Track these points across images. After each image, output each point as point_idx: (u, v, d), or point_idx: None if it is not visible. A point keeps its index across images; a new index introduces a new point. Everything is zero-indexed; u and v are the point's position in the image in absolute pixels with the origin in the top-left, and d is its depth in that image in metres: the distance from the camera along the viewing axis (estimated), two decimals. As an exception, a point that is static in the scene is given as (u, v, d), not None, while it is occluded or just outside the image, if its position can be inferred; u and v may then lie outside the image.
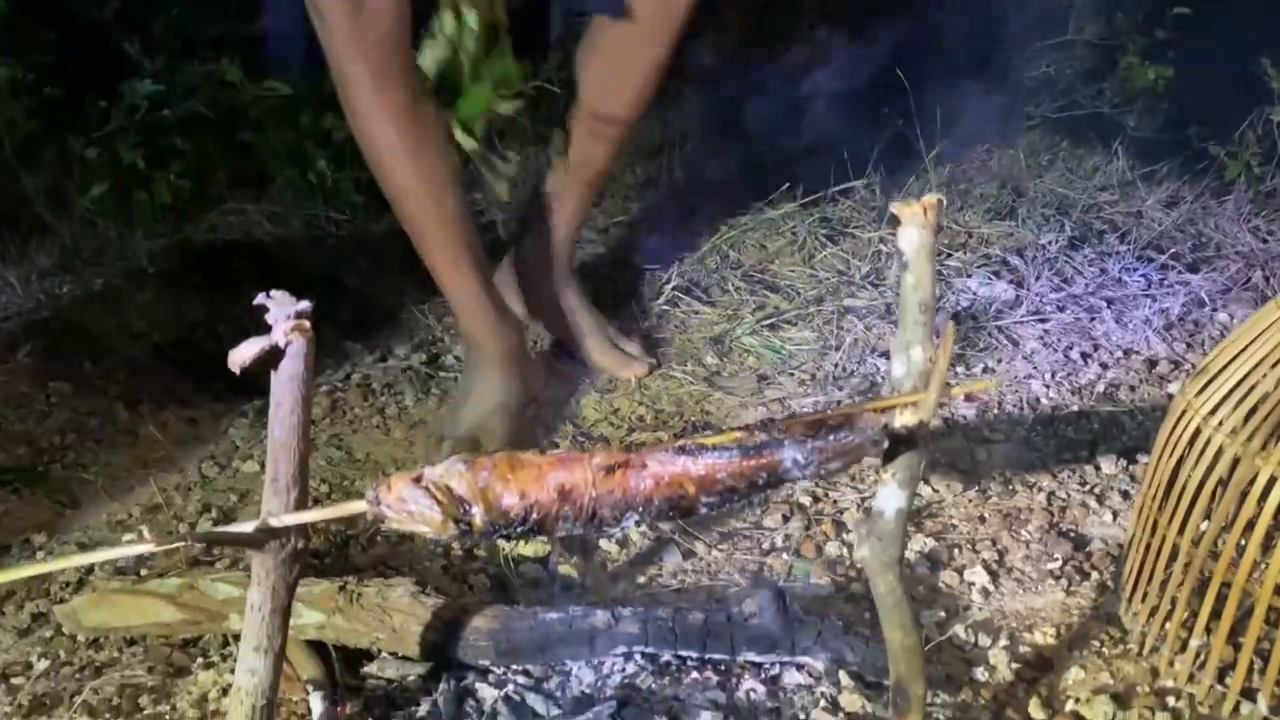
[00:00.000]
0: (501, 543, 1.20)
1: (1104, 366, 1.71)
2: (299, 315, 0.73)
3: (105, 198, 2.37)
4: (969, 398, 1.56)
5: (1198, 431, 0.98)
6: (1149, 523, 1.03)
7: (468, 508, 0.69)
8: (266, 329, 0.74)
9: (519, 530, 0.70)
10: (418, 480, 0.69)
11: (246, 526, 0.73)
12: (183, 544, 0.70)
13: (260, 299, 0.73)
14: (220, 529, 0.73)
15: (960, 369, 1.70)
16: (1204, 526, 0.96)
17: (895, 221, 0.72)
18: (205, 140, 2.47)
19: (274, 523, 0.73)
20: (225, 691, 0.96)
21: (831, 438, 0.69)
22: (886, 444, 0.72)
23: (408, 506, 0.69)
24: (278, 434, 0.74)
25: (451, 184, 1.37)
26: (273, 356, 0.73)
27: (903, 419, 0.73)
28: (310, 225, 2.52)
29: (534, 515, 0.69)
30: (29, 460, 1.40)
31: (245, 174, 2.55)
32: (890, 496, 0.75)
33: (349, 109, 1.32)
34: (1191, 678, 0.96)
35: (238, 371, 0.72)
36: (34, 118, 2.34)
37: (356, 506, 0.71)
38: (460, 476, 0.69)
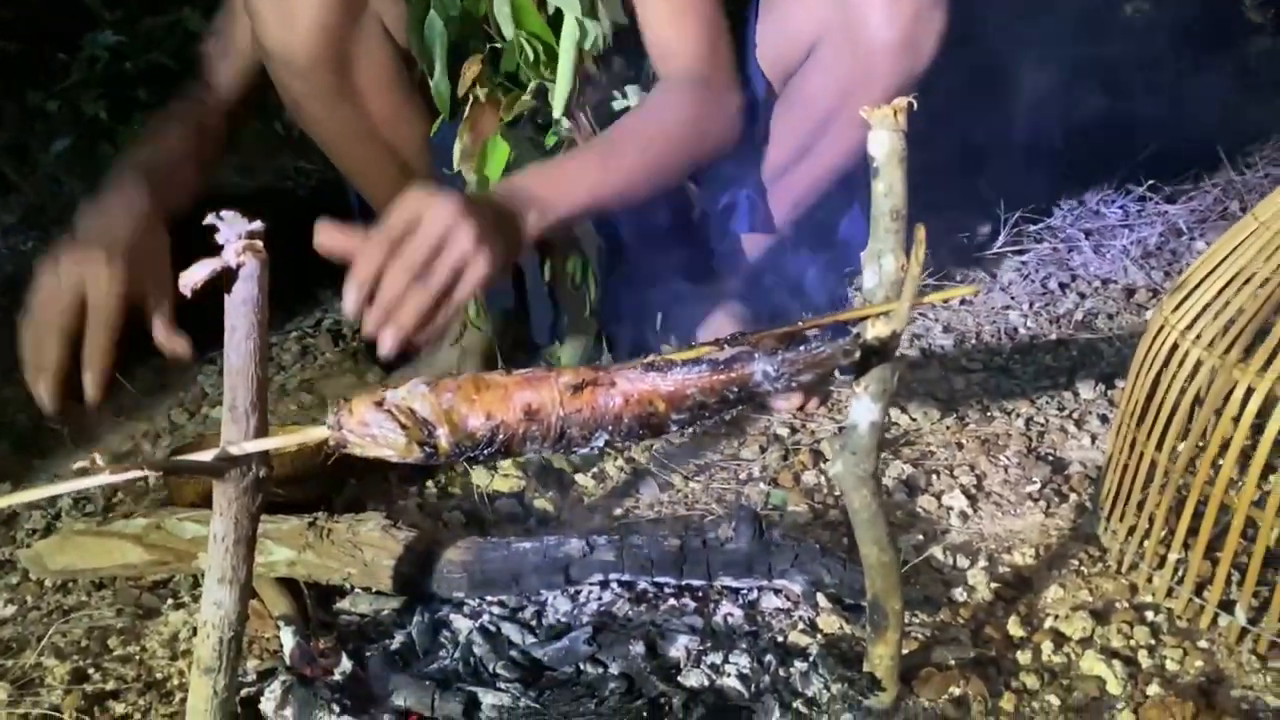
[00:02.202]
0: (475, 479, 1.18)
1: (1082, 296, 1.71)
2: (251, 235, 0.71)
3: (69, 152, 2.32)
4: (946, 328, 1.55)
5: (1175, 346, 0.97)
6: (1127, 441, 1.02)
7: (432, 430, 0.67)
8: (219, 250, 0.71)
9: (486, 452, 0.68)
10: (380, 403, 0.68)
11: (206, 455, 0.72)
12: (140, 474, 0.68)
13: (210, 219, 0.70)
14: (179, 458, 0.71)
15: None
16: (1181, 447, 0.95)
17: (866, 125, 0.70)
18: (169, 92, 2.42)
19: (234, 450, 0.71)
20: (195, 632, 0.95)
21: (802, 349, 0.68)
22: (858, 354, 0.71)
23: (370, 430, 0.67)
24: (234, 360, 0.72)
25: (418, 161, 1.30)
26: (225, 279, 0.71)
27: (875, 330, 0.72)
28: (279, 175, 2.48)
29: (500, 436, 0.67)
30: (-6, 412, 1.37)
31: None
32: (864, 410, 0.74)
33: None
34: (1170, 592, 0.96)
35: (188, 294, 0.69)
36: (-1, 85, 2.29)
37: (318, 432, 0.69)
38: (424, 398, 0.67)
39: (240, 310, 0.71)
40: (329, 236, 0.93)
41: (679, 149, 1.13)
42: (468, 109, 1.19)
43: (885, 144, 0.70)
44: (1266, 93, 2.46)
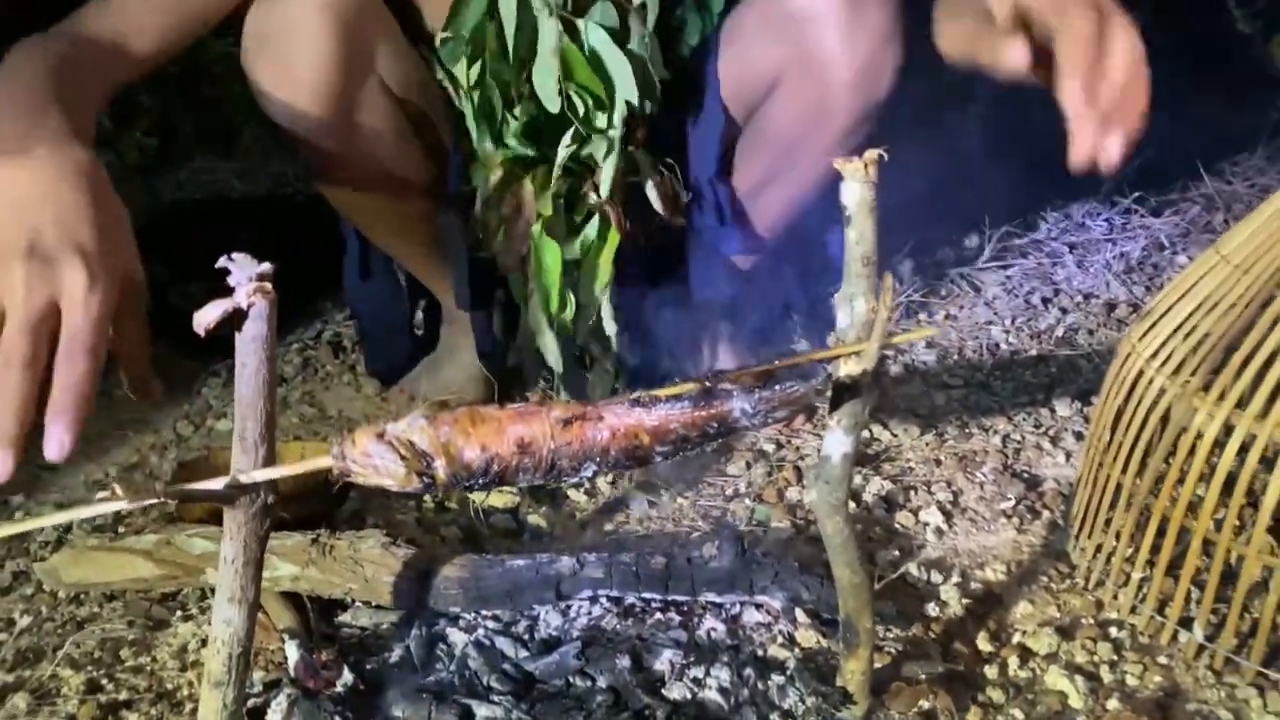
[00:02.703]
0: (472, 495, 1.23)
1: (1064, 311, 1.75)
2: (261, 277, 0.75)
3: (71, 159, 2.35)
4: (929, 344, 1.60)
5: (1140, 373, 1.02)
6: (1096, 462, 1.07)
7: (430, 461, 0.71)
8: (230, 291, 0.76)
9: (481, 482, 0.72)
10: (381, 435, 0.72)
11: (217, 484, 0.76)
12: (156, 500, 0.73)
13: (223, 262, 0.75)
14: (191, 486, 0.75)
15: (922, 315, 1.74)
16: (1146, 471, 1.00)
17: (838, 175, 0.74)
18: (171, 98, 2.46)
19: (243, 479, 0.76)
20: (204, 643, 0.99)
21: (778, 388, 0.72)
22: (830, 392, 0.75)
23: (372, 461, 0.72)
24: (244, 393, 0.76)
25: (423, 205, 1.31)
26: (236, 318, 0.75)
27: (847, 368, 0.76)
28: (279, 182, 2.52)
29: (495, 467, 0.72)
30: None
31: (212, 132, 2.53)
32: (836, 442, 0.78)
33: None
34: (1133, 609, 1.01)
35: (202, 334, 0.74)
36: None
37: (323, 462, 0.74)
38: (422, 431, 0.72)
39: (250, 347, 0.75)
40: None
41: None
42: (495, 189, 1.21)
43: (856, 195, 0.74)
44: (1254, 104, 2.49)
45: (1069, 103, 0.76)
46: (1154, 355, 1.01)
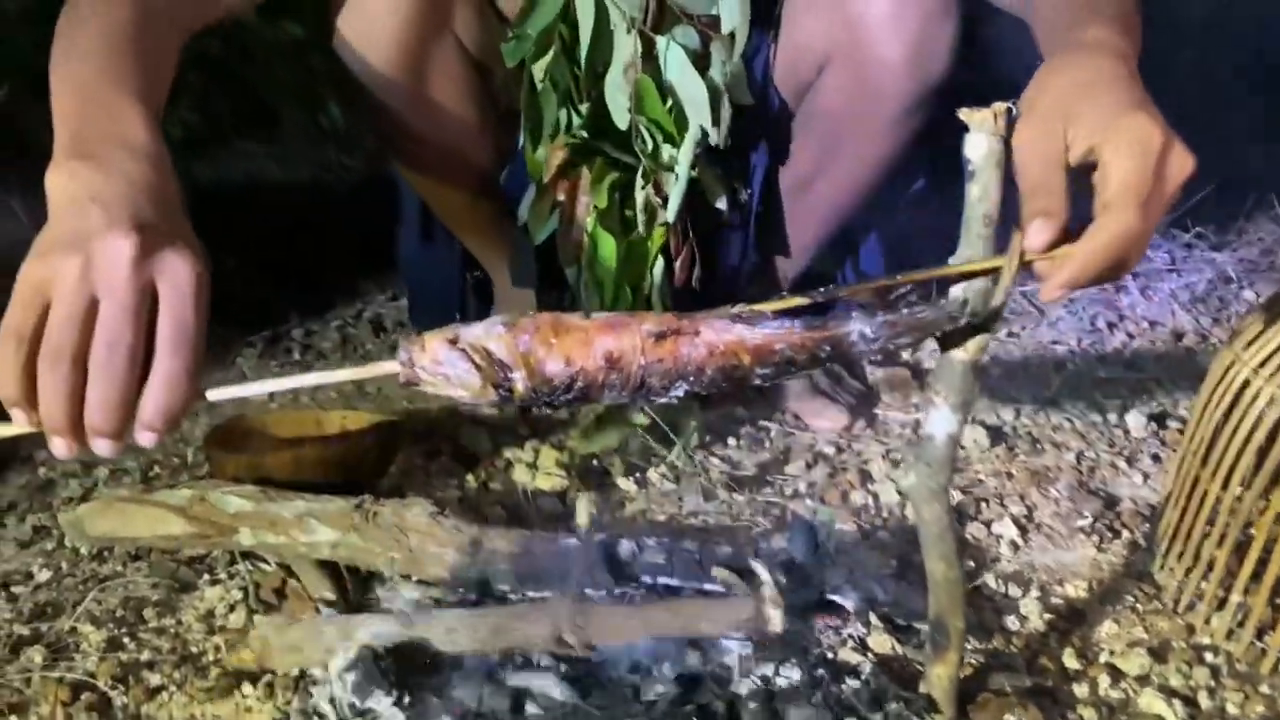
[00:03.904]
0: (517, 475, 1.17)
1: (1130, 336, 1.68)
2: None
3: (113, 133, 2.32)
4: (992, 359, 1.53)
5: (1246, 383, 0.95)
6: (1189, 479, 1.00)
7: (508, 372, 0.63)
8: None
9: (562, 398, 0.64)
10: (454, 342, 0.64)
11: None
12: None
13: None
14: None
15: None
16: (1248, 487, 0.93)
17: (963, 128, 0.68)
18: (213, 80, 2.43)
19: (271, 386, 0.68)
20: (232, 608, 0.93)
21: (905, 311, 0.65)
22: (964, 320, 0.68)
23: (443, 370, 0.64)
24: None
25: (487, 183, 1.27)
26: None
27: (974, 303, 0.69)
28: (321, 168, 2.48)
29: (579, 383, 0.64)
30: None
31: (252, 117, 2.50)
32: (942, 421, 0.72)
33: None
34: (1230, 634, 0.93)
35: None
36: (41, 50, 2.30)
37: (389, 367, 0.66)
38: (500, 339, 0.64)
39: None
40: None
41: None
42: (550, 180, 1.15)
43: (982, 147, 0.68)
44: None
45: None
46: (1261, 365, 0.95)
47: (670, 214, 1.12)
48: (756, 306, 0.65)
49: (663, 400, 0.66)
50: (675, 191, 1.11)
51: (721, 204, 1.18)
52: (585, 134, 1.11)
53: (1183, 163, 0.69)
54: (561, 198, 1.16)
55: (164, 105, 0.79)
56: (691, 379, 0.64)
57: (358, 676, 0.77)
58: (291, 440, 1.05)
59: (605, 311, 0.68)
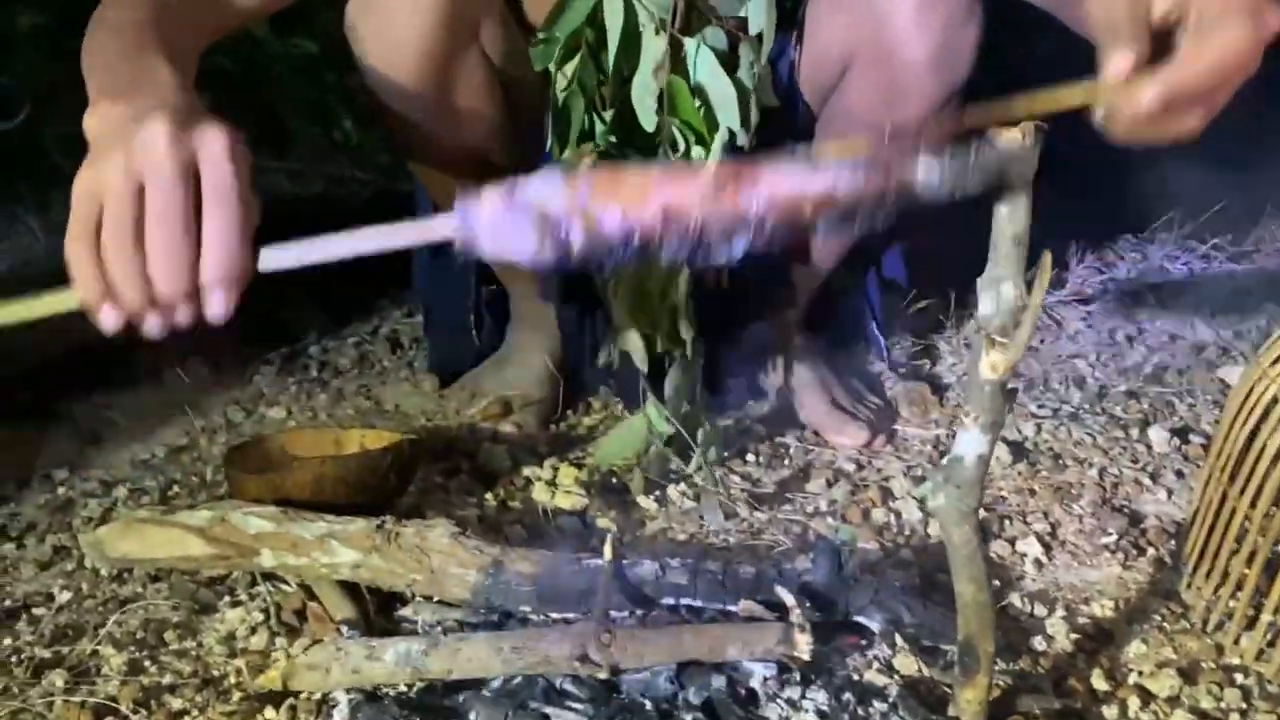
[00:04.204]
0: (537, 494, 1.16)
1: (1150, 349, 1.67)
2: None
3: (126, 148, 2.33)
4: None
5: (1275, 400, 0.94)
6: (1216, 496, 0.99)
7: (566, 227, 0.61)
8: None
9: (621, 255, 0.62)
10: (510, 196, 0.63)
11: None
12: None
13: None
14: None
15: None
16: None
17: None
18: (226, 95, 2.43)
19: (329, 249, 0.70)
20: (253, 630, 0.93)
21: (973, 152, 0.62)
22: (1035, 159, 0.65)
23: (500, 226, 0.62)
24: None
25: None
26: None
27: (991, 359, 0.69)
28: (334, 184, 2.49)
29: (636, 239, 0.62)
30: (52, 397, 1.37)
31: (266, 131, 2.51)
32: (972, 442, 0.71)
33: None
34: (1260, 655, 0.92)
35: None
36: (55, 65, 2.31)
37: (446, 227, 0.65)
38: (557, 191, 0.62)
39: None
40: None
41: None
42: None
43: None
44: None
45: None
46: (1291, 381, 0.94)
47: None
48: (819, 148, 0.62)
49: (723, 262, 0.64)
50: None
51: None
52: (613, 138, 1.11)
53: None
54: None
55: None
56: (752, 230, 0.62)
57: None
58: (311, 460, 1.05)
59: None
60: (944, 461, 0.73)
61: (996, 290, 0.69)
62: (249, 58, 2.35)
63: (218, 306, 0.68)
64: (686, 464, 1.19)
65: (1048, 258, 0.67)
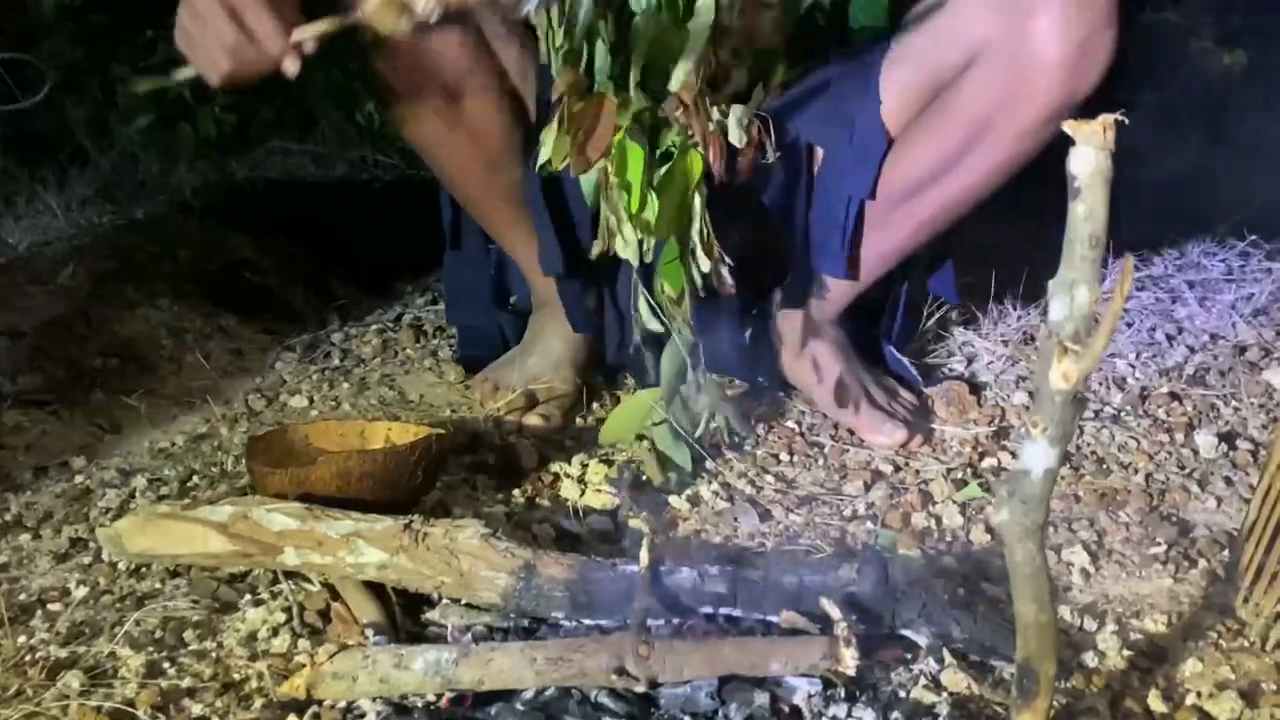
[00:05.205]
0: (565, 491, 1.13)
1: (1191, 349, 1.62)
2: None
3: (149, 130, 2.30)
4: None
5: (1343, 410, 0.90)
6: (1276, 506, 0.95)
7: None
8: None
9: None
10: None
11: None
12: None
13: None
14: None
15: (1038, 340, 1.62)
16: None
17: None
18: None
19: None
20: (275, 631, 0.90)
21: None
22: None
23: None
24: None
25: (503, 156, 1.24)
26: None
27: (1063, 368, 0.65)
28: (356, 168, 2.46)
29: None
30: (68, 383, 1.34)
31: (290, 115, 2.48)
32: (1039, 455, 0.67)
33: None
34: (1323, 677, 0.88)
35: None
36: (80, 46, 2.28)
37: None
38: None
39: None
40: None
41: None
42: (564, 109, 1.10)
43: (1090, 163, 0.64)
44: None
45: None
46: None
47: (676, 82, 1.05)
48: None
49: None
50: (685, 60, 1.04)
51: (734, 127, 1.12)
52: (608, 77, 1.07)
53: None
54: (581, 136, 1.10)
55: None
56: None
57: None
58: (336, 454, 1.01)
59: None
60: (1006, 475, 0.69)
61: (1070, 294, 0.65)
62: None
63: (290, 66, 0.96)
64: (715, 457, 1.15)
65: (1129, 261, 0.63)
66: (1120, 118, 0.64)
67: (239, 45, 0.93)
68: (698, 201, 1.10)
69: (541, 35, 1.12)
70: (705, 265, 1.12)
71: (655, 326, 1.17)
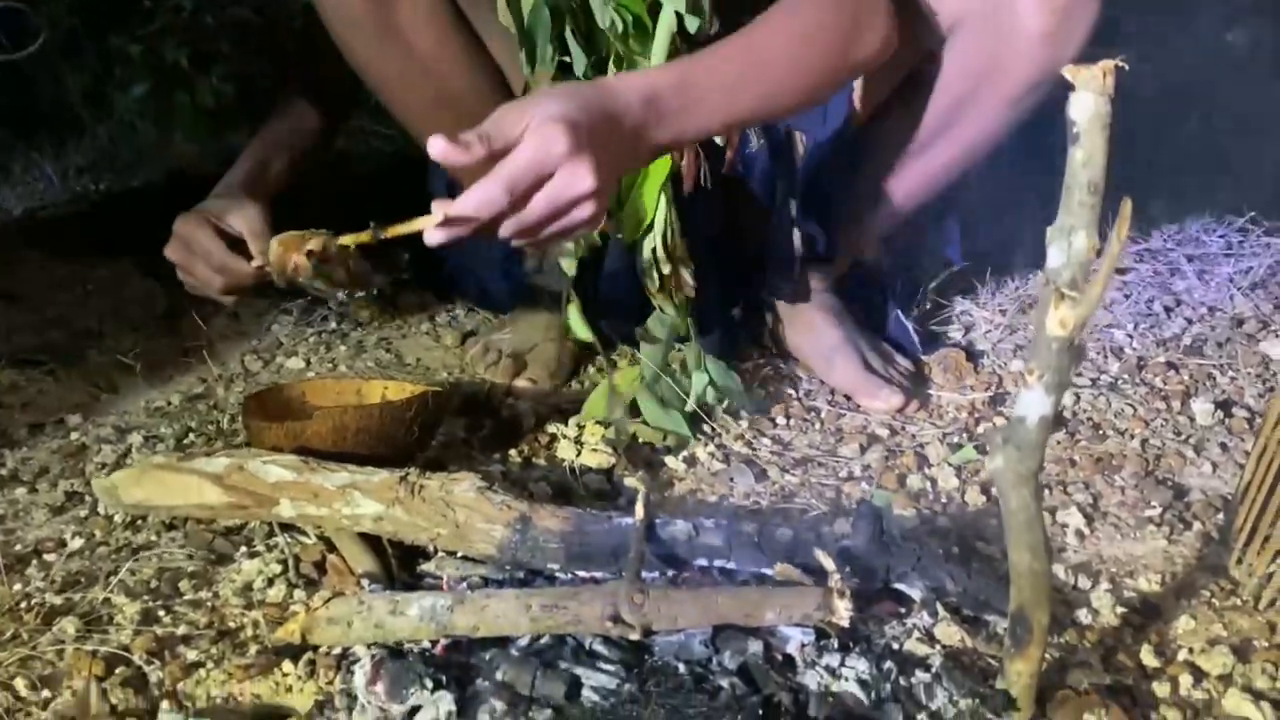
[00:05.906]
0: (561, 451, 1.13)
1: (1188, 321, 1.62)
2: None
3: (146, 98, 2.30)
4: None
5: (1339, 370, 0.90)
6: (1270, 469, 0.95)
7: None
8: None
9: None
10: None
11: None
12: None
13: None
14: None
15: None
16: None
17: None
18: (249, 44, 2.39)
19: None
20: (270, 582, 0.90)
21: None
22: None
23: None
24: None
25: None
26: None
27: (1060, 315, 0.65)
28: (356, 139, 2.45)
29: None
30: (65, 343, 1.34)
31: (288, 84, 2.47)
32: (1035, 402, 0.67)
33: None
34: (1316, 634, 0.89)
35: None
36: (76, 13, 2.27)
37: None
38: None
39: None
40: (442, 149, 0.82)
41: (829, 58, 0.98)
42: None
43: (1089, 108, 0.63)
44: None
45: None
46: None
47: (656, 57, 1.04)
48: None
49: None
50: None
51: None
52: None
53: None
54: None
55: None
56: None
57: (386, 684, 0.74)
58: (333, 409, 1.01)
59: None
60: (1002, 422, 0.69)
61: (1067, 240, 0.65)
62: (272, 9, 2.31)
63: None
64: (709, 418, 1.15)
65: (1128, 205, 0.63)
66: (1121, 63, 0.64)
67: (221, 270, 1.06)
68: (663, 202, 1.09)
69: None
70: (665, 268, 1.11)
71: (585, 336, 1.18)
